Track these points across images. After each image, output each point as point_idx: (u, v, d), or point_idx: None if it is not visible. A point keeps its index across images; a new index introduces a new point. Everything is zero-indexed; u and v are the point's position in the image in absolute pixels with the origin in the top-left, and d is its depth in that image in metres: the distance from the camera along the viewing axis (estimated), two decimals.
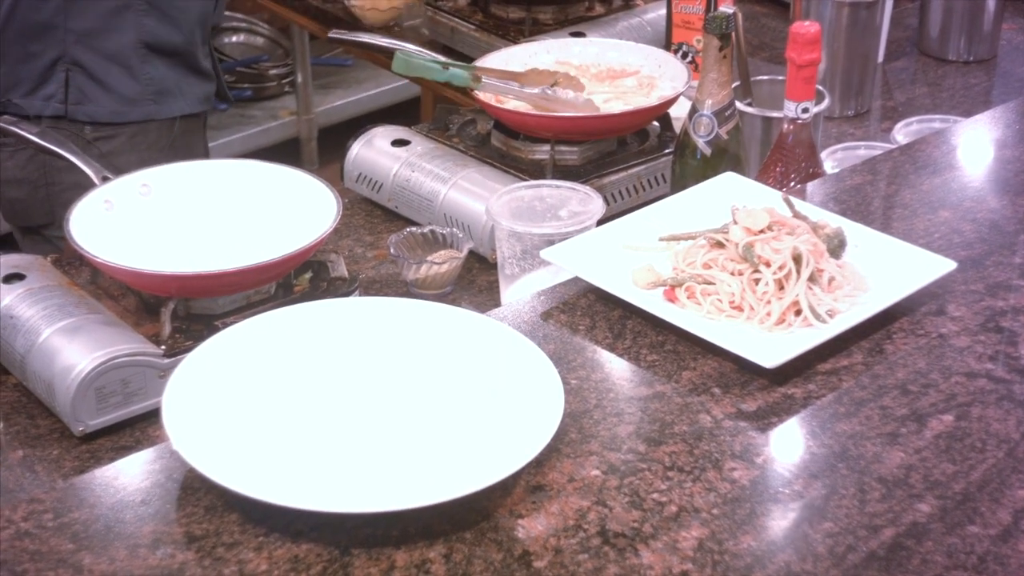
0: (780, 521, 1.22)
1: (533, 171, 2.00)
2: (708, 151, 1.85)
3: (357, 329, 1.43)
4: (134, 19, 2.18)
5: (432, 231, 1.94)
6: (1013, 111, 2.03)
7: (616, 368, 1.44)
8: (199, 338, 1.53)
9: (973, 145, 1.95)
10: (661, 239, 1.58)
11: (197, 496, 1.24)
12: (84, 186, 1.75)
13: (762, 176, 1.83)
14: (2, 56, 2.12)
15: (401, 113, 4.15)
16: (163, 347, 1.62)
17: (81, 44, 2.15)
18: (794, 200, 1.60)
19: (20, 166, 2.14)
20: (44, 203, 2.15)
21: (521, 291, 1.73)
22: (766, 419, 1.34)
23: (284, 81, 4.59)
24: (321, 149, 4.58)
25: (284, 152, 4.31)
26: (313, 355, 1.41)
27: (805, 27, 1.77)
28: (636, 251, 1.58)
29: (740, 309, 1.46)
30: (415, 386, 1.37)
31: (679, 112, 2.02)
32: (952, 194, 1.78)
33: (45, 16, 2.13)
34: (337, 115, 4.61)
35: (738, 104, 1.90)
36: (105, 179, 1.78)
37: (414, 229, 1.94)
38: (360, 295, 1.76)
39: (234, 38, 4.70)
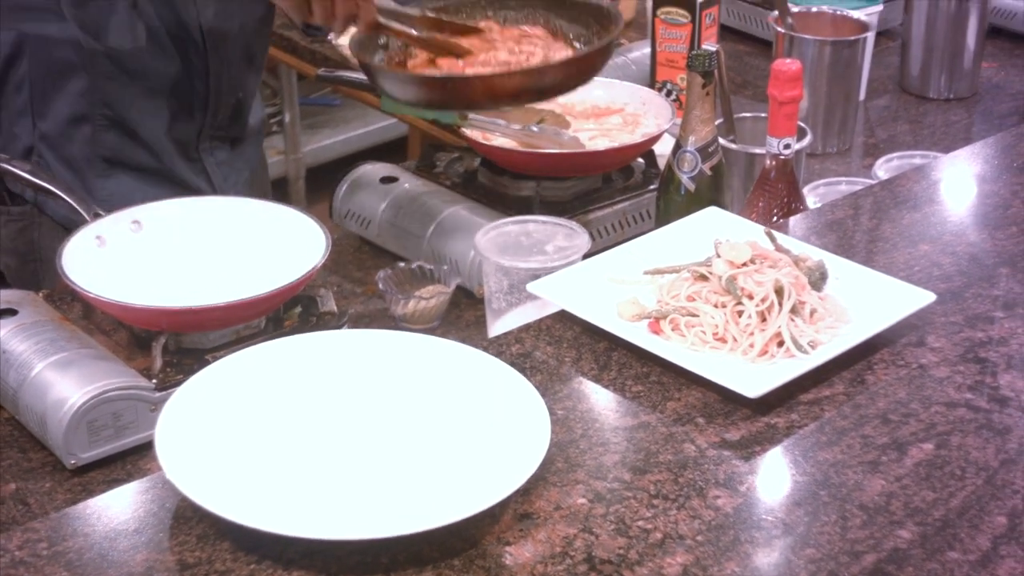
0: (763, 547, 1.24)
1: (520, 207, 2.03)
2: (692, 187, 1.88)
3: (347, 360, 1.46)
4: (92, 132, 2.03)
5: (420, 267, 1.96)
6: (992, 147, 2.07)
7: (602, 399, 1.46)
8: (190, 372, 1.55)
9: (953, 180, 1.98)
10: (646, 272, 1.60)
11: (190, 525, 1.25)
12: None
13: (745, 211, 1.86)
14: None
15: (388, 152, 4.17)
16: (154, 381, 1.64)
17: (45, 143, 2.04)
18: (776, 234, 1.63)
19: (11, 237, 2.11)
20: (33, 275, 2.08)
21: (508, 325, 1.75)
22: (749, 448, 1.37)
23: (272, 121, 4.62)
24: (308, 188, 4.61)
25: (272, 191, 4.32)
26: (303, 386, 1.43)
27: (787, 64, 1.80)
28: (621, 284, 1.60)
29: (723, 341, 1.49)
30: (404, 416, 1.40)
31: (663, 149, 2.05)
32: (932, 228, 1.81)
33: (19, 104, 2.04)
34: (325, 155, 4.64)
35: (721, 140, 1.93)
36: (96, 215, 1.80)
37: (402, 265, 1.97)
38: (349, 329, 1.78)
39: None
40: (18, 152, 2.04)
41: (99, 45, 1.97)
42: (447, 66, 1.90)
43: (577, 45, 1.99)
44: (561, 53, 1.94)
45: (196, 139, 2.12)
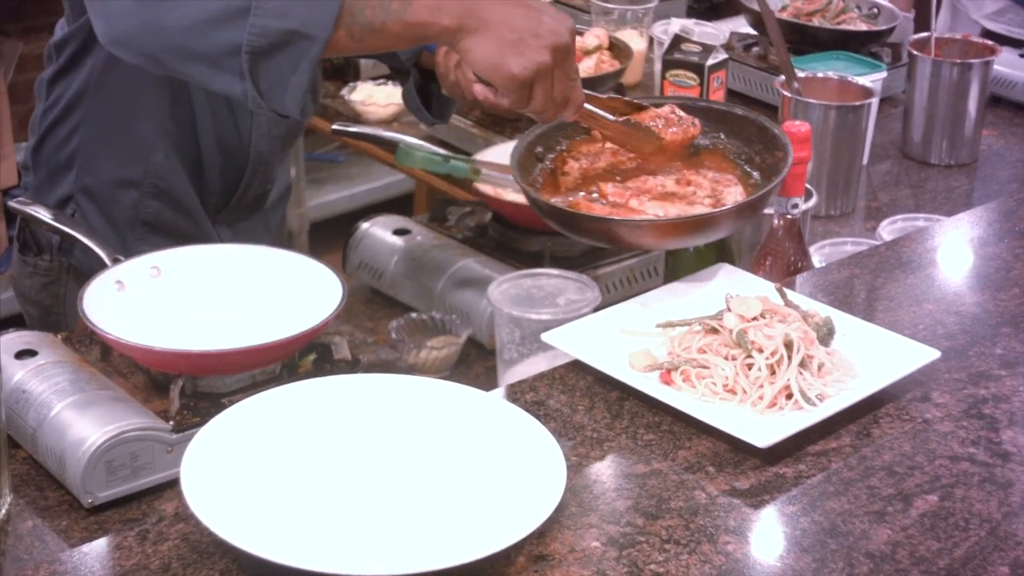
0: None
1: (530, 261, 2.07)
2: (700, 244, 1.91)
3: (365, 404, 1.49)
4: (138, 198, 2.05)
5: (432, 317, 2.00)
6: (994, 211, 2.11)
7: (615, 446, 1.49)
8: (206, 415, 1.58)
9: (956, 242, 2.02)
10: (658, 325, 1.64)
11: (212, 560, 1.28)
12: None
13: (753, 268, 1.90)
14: (36, 165, 2.12)
15: (392, 208, 4.18)
16: (171, 423, 1.66)
17: (86, 195, 2.06)
18: (786, 290, 1.66)
19: (36, 289, 2.13)
20: (55, 327, 2.11)
21: (519, 376, 1.78)
22: (759, 496, 1.40)
23: (290, 176, 4.66)
24: (312, 243, 4.64)
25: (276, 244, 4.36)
26: (324, 428, 1.46)
27: (796, 126, 1.85)
28: (633, 336, 1.64)
29: (733, 392, 1.52)
30: (423, 459, 1.43)
31: None
32: (936, 288, 1.84)
33: (63, 156, 2.05)
34: (329, 210, 4.68)
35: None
36: (116, 260, 1.84)
37: (414, 315, 2.00)
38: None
39: None
40: (53, 200, 2.06)
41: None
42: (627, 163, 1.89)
43: (748, 169, 1.90)
44: (732, 189, 1.84)
45: (228, 207, 2.14)
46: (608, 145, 1.92)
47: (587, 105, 1.79)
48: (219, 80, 1.65)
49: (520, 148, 1.90)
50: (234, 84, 1.64)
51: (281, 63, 1.62)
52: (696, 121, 1.89)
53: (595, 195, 1.84)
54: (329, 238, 2.24)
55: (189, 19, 1.60)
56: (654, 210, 1.78)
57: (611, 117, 1.84)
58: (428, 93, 2.06)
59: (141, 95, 1.97)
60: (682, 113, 1.90)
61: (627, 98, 1.92)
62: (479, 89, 1.79)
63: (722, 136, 1.93)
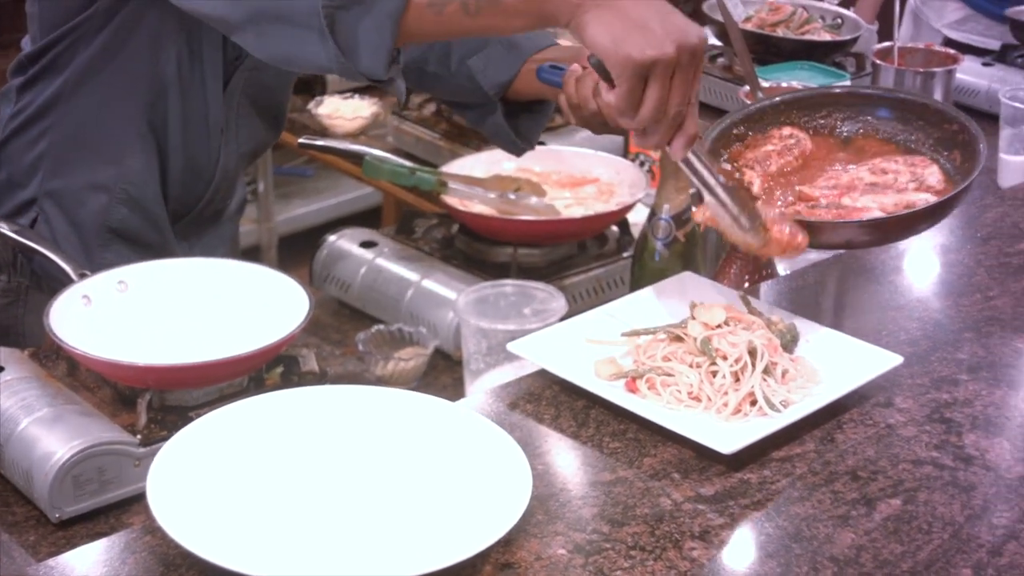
0: None
1: (496, 273, 2.07)
2: (666, 253, 1.93)
3: (331, 415, 1.50)
4: (107, 203, 2.02)
5: (399, 329, 2.00)
6: (957, 218, 2.12)
7: (580, 454, 1.50)
8: (173, 428, 1.57)
9: (918, 250, 2.04)
10: (623, 334, 1.65)
11: (179, 572, 1.28)
12: None
13: (718, 276, 1.91)
14: None
15: (359, 222, 4.18)
16: (139, 437, 1.66)
17: (52, 200, 2.02)
18: (750, 298, 1.67)
19: None
20: (14, 347, 2.07)
21: (486, 386, 1.79)
22: (723, 502, 1.41)
23: (246, 190, 4.66)
24: (281, 256, 4.65)
25: (245, 259, 4.36)
26: (289, 440, 1.46)
27: None
28: (598, 344, 1.65)
29: (698, 399, 1.53)
30: (389, 469, 1.43)
31: (637, 217, 2.10)
32: (899, 294, 1.86)
33: (32, 157, 2.02)
34: (297, 224, 4.68)
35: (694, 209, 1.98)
36: (83, 275, 1.83)
37: (381, 327, 2.01)
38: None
39: None
40: (12, 205, 2.05)
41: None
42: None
43: (912, 147, 1.86)
44: (930, 170, 1.80)
45: (187, 219, 2.14)
46: (769, 147, 1.85)
47: (692, 155, 1.60)
48: (302, 44, 1.60)
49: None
50: (316, 47, 1.59)
51: (361, 19, 1.57)
52: (803, 235, 1.67)
53: (790, 200, 1.78)
54: (298, 252, 2.24)
55: None
56: (869, 203, 1.74)
57: (720, 179, 1.63)
58: (515, 124, 2.06)
59: (121, 99, 1.96)
60: (800, 135, 1.87)
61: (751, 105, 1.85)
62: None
63: (871, 119, 1.90)
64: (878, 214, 1.71)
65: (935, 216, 1.75)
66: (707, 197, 1.62)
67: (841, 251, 2.06)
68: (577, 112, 1.87)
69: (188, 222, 2.13)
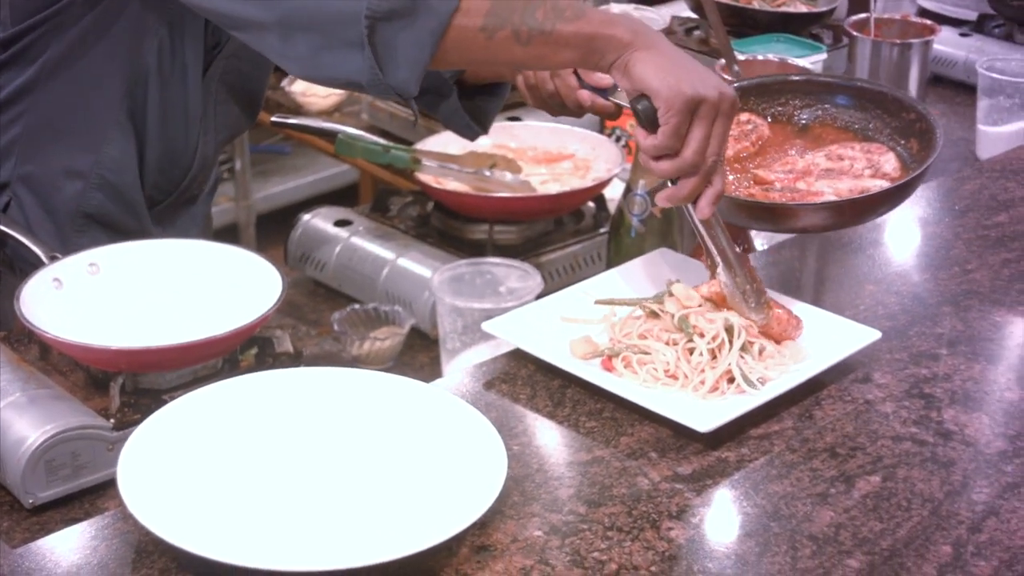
0: None
1: (473, 250, 2.06)
2: (642, 229, 1.92)
3: (305, 398, 1.48)
4: (83, 189, 1.98)
5: (375, 308, 1.99)
6: (935, 191, 2.12)
7: (557, 434, 1.49)
8: (147, 412, 1.56)
9: (897, 223, 2.03)
10: (598, 302, 1.63)
11: (152, 559, 1.27)
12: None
13: (695, 252, 1.90)
14: None
15: (338, 199, 4.20)
16: (112, 420, 1.65)
17: (25, 185, 1.99)
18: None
19: None
20: None
21: (463, 365, 1.78)
22: (701, 481, 1.40)
23: (223, 168, 4.63)
24: (259, 234, 4.62)
25: (223, 238, 4.22)
26: (262, 423, 1.45)
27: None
28: (574, 323, 1.63)
29: (675, 377, 1.52)
30: (363, 451, 1.42)
31: (613, 193, 2.08)
32: (877, 269, 1.85)
33: (5, 140, 1.98)
34: (275, 201, 4.65)
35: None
36: (53, 258, 1.81)
37: (357, 307, 1.99)
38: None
39: None
40: None
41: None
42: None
43: (871, 135, 1.88)
44: (886, 157, 1.82)
45: (163, 204, 2.12)
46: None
47: (715, 219, 1.60)
48: (337, 54, 1.58)
49: None
50: (352, 57, 1.56)
51: (402, 32, 1.55)
52: (801, 324, 1.65)
53: (746, 185, 1.79)
54: (276, 230, 2.22)
55: None
56: (823, 188, 1.75)
57: (736, 248, 1.63)
58: (470, 107, 2.03)
59: (99, 87, 1.93)
60: (758, 120, 1.88)
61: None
62: (585, 94, 1.70)
63: (829, 107, 1.91)
64: (833, 199, 1.71)
65: (889, 202, 1.76)
66: (720, 267, 1.60)
67: None
68: (534, 92, 1.86)
69: (165, 207, 2.12)
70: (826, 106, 1.91)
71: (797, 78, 1.95)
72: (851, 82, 1.94)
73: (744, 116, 1.87)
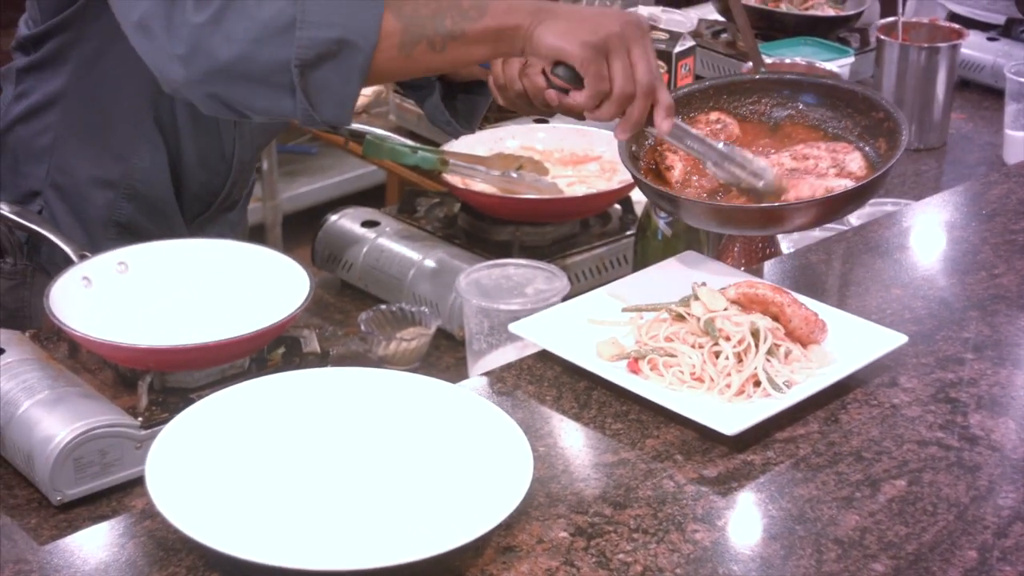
0: None
1: (499, 251, 2.06)
2: (669, 232, 1.92)
3: (333, 397, 1.49)
4: (113, 199, 2.02)
5: (401, 308, 1.99)
6: (962, 195, 2.11)
7: (582, 436, 1.49)
8: (175, 410, 1.57)
9: (923, 227, 2.03)
10: (625, 310, 1.64)
11: (179, 557, 1.28)
12: None
13: (722, 255, 1.90)
14: (1, 150, 2.08)
15: (364, 199, 4.18)
16: (140, 419, 1.66)
17: (57, 192, 2.02)
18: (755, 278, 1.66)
19: (1, 293, 2.12)
20: (20, 329, 2.07)
21: (488, 366, 1.78)
22: (726, 484, 1.40)
23: (255, 175, 4.64)
24: (285, 235, 4.63)
25: (249, 237, 4.35)
26: (291, 422, 1.46)
27: None
28: (601, 325, 1.64)
29: (701, 380, 1.52)
30: (390, 451, 1.43)
31: (640, 195, 2.08)
32: (903, 273, 1.85)
33: (37, 148, 2.02)
34: (301, 202, 4.66)
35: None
36: (83, 256, 1.83)
37: (383, 307, 2.00)
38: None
39: None
40: (19, 192, 2.04)
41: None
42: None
43: (839, 133, 1.88)
44: (851, 156, 1.82)
45: (206, 215, 2.13)
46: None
47: (679, 122, 1.69)
48: (268, 99, 1.64)
49: (623, 153, 1.81)
50: (284, 100, 1.63)
51: (330, 73, 1.62)
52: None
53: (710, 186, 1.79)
54: (303, 230, 2.23)
55: (237, 43, 1.60)
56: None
57: (717, 142, 1.71)
58: (452, 105, 2.06)
59: (122, 98, 1.95)
60: (728, 120, 1.89)
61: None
62: (552, 93, 1.71)
63: (800, 106, 1.92)
64: (768, 204, 1.72)
65: (853, 202, 1.77)
66: (709, 164, 1.70)
67: (846, 229, 2.05)
68: (504, 92, 1.90)
69: (207, 218, 2.13)
70: (798, 105, 1.92)
71: (767, 77, 1.96)
72: (820, 80, 1.95)
73: (714, 115, 1.89)
